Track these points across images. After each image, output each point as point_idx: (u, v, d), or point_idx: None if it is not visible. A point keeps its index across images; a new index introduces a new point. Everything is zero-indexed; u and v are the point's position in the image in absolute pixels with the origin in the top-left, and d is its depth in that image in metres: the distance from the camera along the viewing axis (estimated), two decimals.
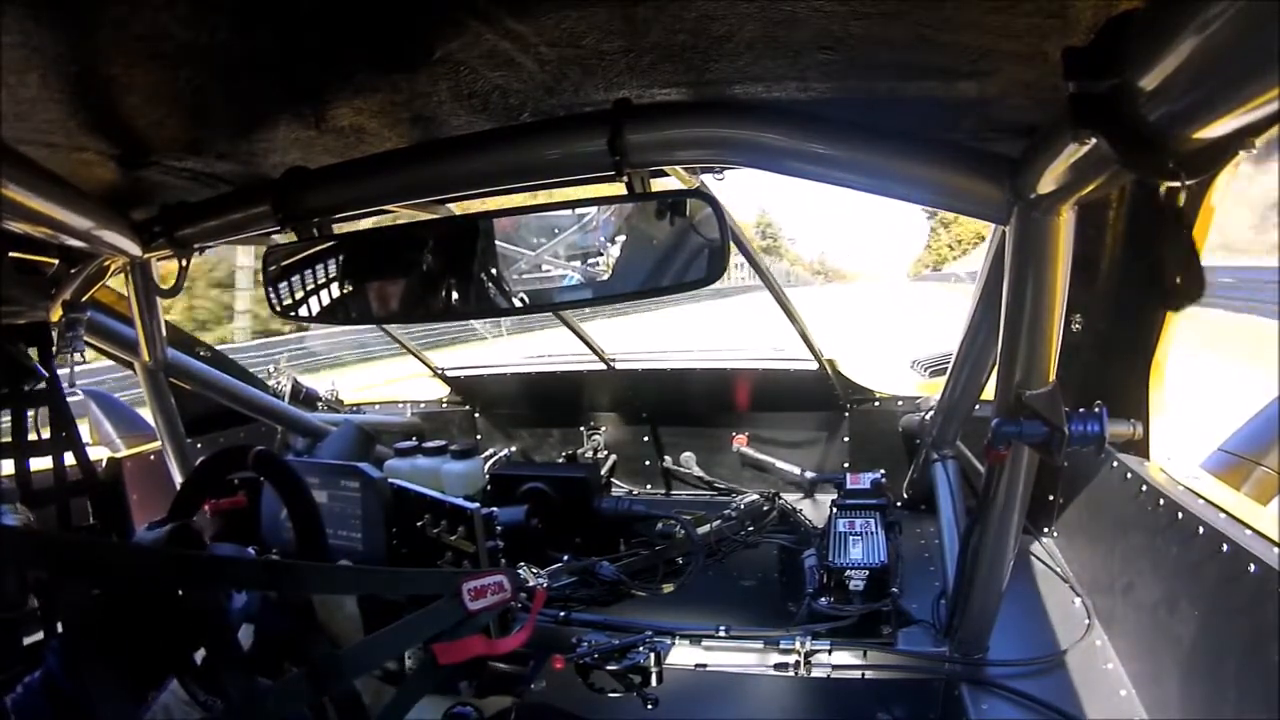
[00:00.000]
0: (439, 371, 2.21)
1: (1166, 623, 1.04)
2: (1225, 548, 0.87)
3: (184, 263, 1.29)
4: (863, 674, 1.24)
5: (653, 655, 1.24)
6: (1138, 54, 0.48)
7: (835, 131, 0.82)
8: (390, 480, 1.47)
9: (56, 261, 1.36)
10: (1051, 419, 0.89)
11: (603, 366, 1.99)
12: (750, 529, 1.67)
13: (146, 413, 1.67)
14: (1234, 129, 0.47)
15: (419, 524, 1.40)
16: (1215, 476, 1.11)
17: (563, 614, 1.36)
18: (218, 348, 1.97)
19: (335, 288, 1.13)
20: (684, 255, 0.94)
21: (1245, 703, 0.82)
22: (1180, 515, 0.99)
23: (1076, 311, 1.30)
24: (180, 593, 0.88)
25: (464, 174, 0.98)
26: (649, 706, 1.24)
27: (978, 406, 1.48)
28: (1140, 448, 1.18)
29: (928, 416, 1.71)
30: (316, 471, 1.52)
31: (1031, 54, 0.68)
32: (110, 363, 1.64)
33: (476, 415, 2.27)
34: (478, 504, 1.33)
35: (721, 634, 1.28)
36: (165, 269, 1.41)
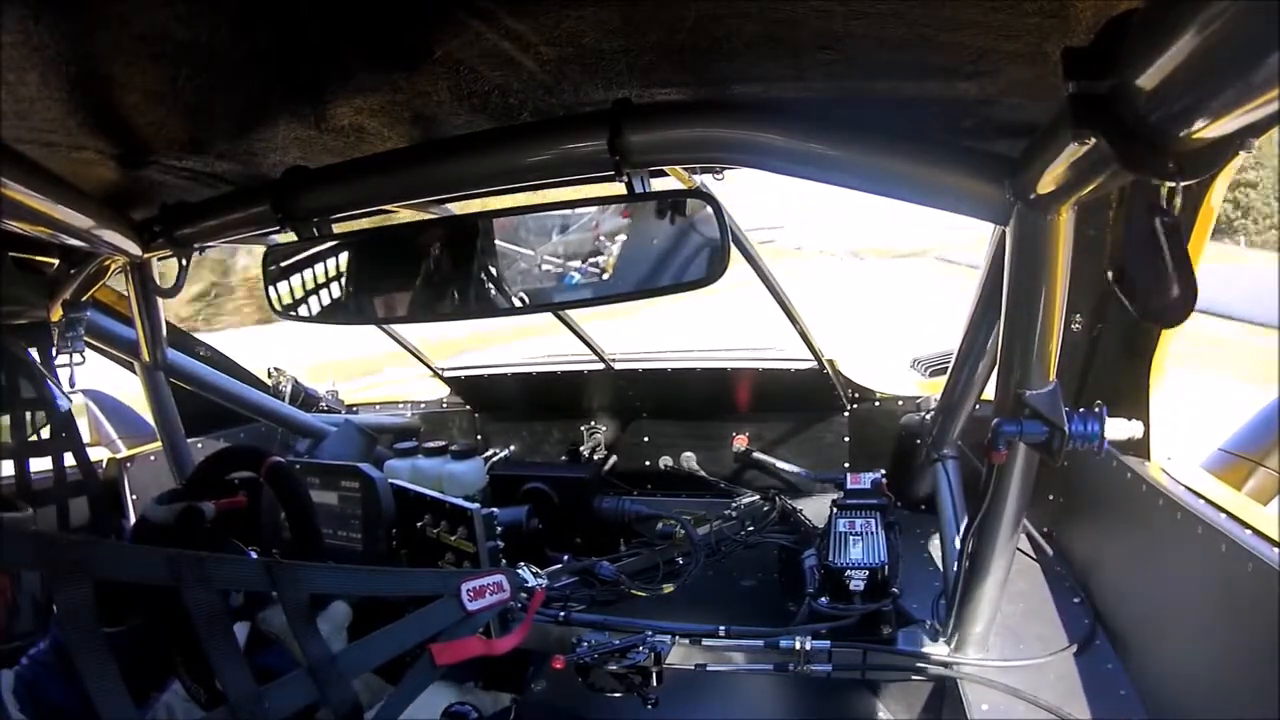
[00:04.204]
0: (439, 371, 2.21)
1: (1166, 622, 1.04)
2: (1225, 547, 0.87)
3: (184, 262, 1.29)
4: (863, 674, 1.24)
5: (653, 655, 1.23)
6: (1137, 54, 0.48)
7: (835, 131, 0.82)
8: (390, 480, 1.47)
9: (56, 261, 1.36)
10: (1051, 419, 0.89)
11: (602, 366, 1.99)
12: (750, 529, 1.67)
13: (147, 412, 1.67)
14: (1234, 129, 0.47)
15: (419, 524, 1.41)
16: (1215, 476, 1.11)
17: (563, 614, 1.36)
18: None
19: (335, 288, 1.13)
20: (684, 255, 0.94)
21: (1245, 702, 0.82)
22: (1180, 515, 0.99)
23: (1076, 311, 1.30)
24: (180, 592, 0.88)
25: (464, 174, 0.98)
26: (649, 706, 1.24)
27: (978, 406, 1.48)
28: (1140, 448, 1.18)
29: (928, 416, 1.71)
30: (316, 472, 1.52)
31: (1031, 54, 0.68)
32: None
33: (476, 415, 2.27)
34: (478, 504, 1.33)
35: (721, 634, 1.28)
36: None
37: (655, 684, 1.24)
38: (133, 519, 1.67)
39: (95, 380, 1.65)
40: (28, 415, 1.35)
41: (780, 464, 1.94)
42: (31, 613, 0.97)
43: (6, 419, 1.34)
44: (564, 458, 2.14)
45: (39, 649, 0.91)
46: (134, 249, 1.23)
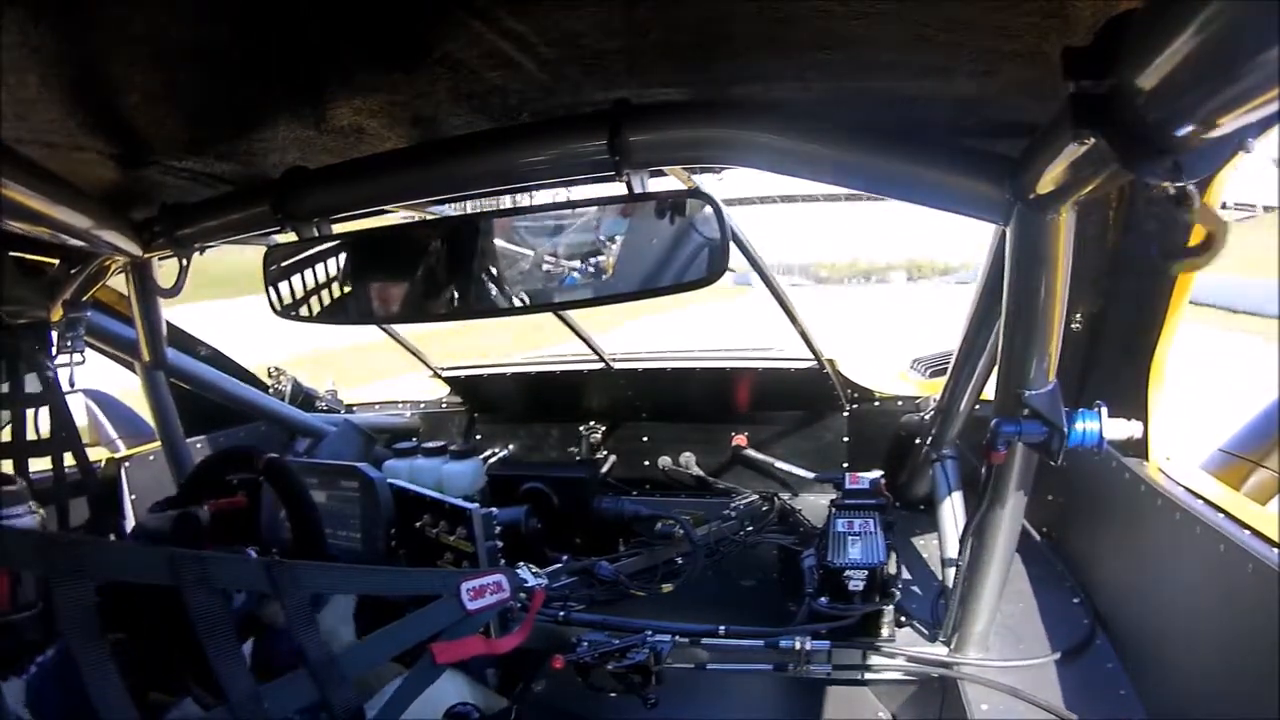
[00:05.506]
0: (438, 371, 2.21)
1: (1166, 622, 1.04)
2: (1224, 548, 0.87)
3: (184, 262, 1.29)
4: (863, 674, 1.24)
5: (652, 655, 1.23)
6: (1137, 54, 0.48)
7: (835, 131, 0.82)
8: (389, 480, 1.47)
9: (56, 261, 1.36)
10: (1051, 419, 0.89)
11: (601, 366, 1.99)
12: (750, 529, 1.67)
13: (147, 413, 1.67)
14: (1234, 129, 0.47)
15: (418, 524, 1.41)
16: (1215, 476, 1.11)
17: (562, 614, 1.36)
18: None
19: (336, 288, 1.13)
20: (684, 255, 0.94)
21: (1245, 702, 0.82)
22: (1179, 515, 0.99)
23: (1077, 311, 1.30)
24: (180, 593, 0.88)
25: (464, 174, 0.98)
26: (649, 706, 1.24)
27: (978, 406, 1.48)
28: (1140, 448, 1.18)
29: (928, 416, 1.71)
30: (316, 472, 1.52)
31: (1031, 54, 0.68)
32: None
33: (475, 415, 2.27)
34: (477, 504, 1.33)
35: (721, 634, 1.28)
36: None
37: (655, 684, 1.24)
38: (131, 520, 1.67)
39: (95, 380, 1.65)
40: (27, 415, 1.36)
41: (779, 464, 1.93)
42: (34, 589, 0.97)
43: (6, 418, 1.34)
44: (578, 456, 2.12)
45: (46, 657, 0.91)
46: (134, 249, 1.23)
